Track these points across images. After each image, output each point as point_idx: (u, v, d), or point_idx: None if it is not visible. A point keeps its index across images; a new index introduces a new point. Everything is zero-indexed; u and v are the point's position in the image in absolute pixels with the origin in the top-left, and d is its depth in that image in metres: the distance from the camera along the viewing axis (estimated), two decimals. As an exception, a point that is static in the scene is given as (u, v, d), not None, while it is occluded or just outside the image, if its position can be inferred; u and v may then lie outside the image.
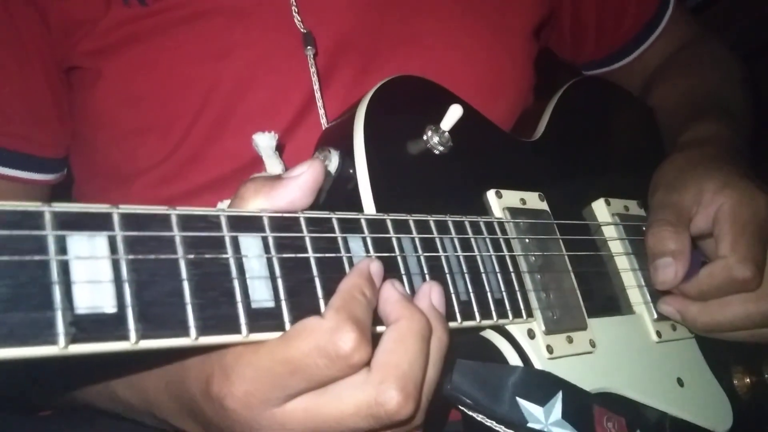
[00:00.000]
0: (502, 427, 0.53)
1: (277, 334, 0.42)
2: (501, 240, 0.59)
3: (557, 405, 0.55)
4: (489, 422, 0.53)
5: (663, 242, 0.65)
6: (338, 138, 0.59)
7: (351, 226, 0.49)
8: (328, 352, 0.40)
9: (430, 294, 0.48)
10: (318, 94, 0.69)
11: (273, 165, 0.57)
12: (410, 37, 0.74)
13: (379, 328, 0.45)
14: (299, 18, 0.70)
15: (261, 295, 0.42)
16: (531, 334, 0.58)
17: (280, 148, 0.58)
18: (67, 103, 0.76)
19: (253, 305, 0.41)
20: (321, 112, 0.69)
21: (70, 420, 0.72)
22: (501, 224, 0.60)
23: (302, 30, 0.70)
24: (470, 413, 0.54)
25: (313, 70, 0.69)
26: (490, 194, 0.63)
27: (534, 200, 0.66)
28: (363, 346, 0.40)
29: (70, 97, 0.76)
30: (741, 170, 0.70)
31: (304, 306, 0.43)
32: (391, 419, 0.41)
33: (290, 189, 0.45)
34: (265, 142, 0.57)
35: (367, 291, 0.43)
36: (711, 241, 0.68)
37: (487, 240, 0.58)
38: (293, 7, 0.70)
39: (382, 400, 0.41)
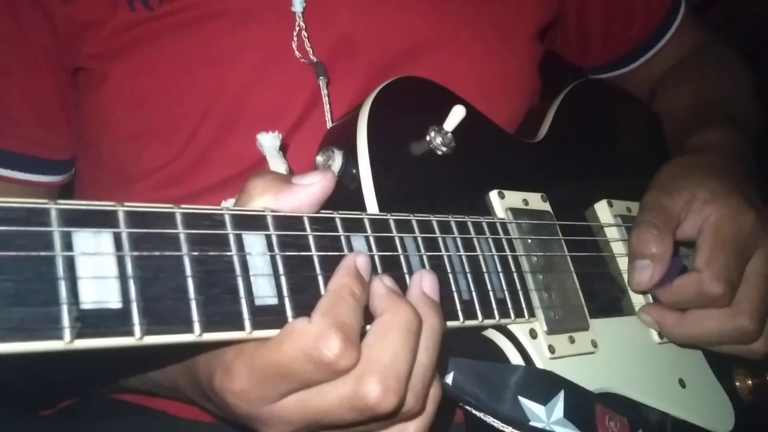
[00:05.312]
0: (509, 427, 0.53)
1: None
2: (503, 240, 0.59)
3: (559, 404, 0.55)
4: (491, 421, 0.54)
5: (646, 244, 0.65)
6: (342, 138, 0.60)
7: (354, 225, 0.49)
8: (313, 359, 0.40)
9: (421, 282, 0.48)
10: (326, 99, 0.69)
11: (276, 165, 0.57)
12: (416, 43, 0.74)
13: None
14: (303, 23, 0.69)
15: (264, 291, 0.42)
16: (533, 334, 0.58)
17: (283, 148, 0.58)
18: (74, 105, 0.77)
19: (257, 302, 0.42)
20: (328, 116, 0.69)
21: (71, 420, 0.73)
22: (503, 224, 0.60)
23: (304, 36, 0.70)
24: (473, 412, 0.54)
25: (322, 77, 0.69)
26: (493, 195, 0.63)
27: (536, 201, 0.66)
28: (348, 352, 0.41)
29: (76, 98, 0.77)
30: (738, 183, 0.69)
31: (306, 303, 0.44)
32: (373, 412, 0.42)
33: (298, 196, 0.46)
34: (269, 141, 0.57)
35: (356, 289, 0.44)
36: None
37: (490, 240, 0.58)
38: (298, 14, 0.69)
39: (362, 394, 0.41)
